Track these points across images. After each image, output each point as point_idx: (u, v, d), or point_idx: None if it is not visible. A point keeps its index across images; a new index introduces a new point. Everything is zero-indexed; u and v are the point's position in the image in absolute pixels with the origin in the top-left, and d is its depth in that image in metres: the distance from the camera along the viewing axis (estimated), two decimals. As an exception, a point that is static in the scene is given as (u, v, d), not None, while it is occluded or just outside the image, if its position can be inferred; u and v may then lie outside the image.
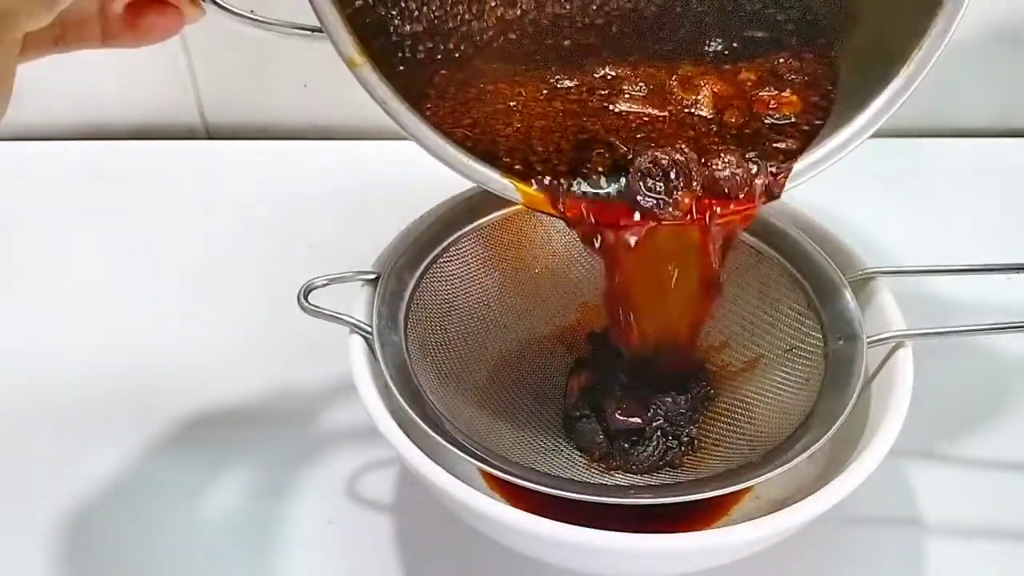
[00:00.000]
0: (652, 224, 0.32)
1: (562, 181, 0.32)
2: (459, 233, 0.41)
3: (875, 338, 0.36)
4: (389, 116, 0.30)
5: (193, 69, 0.63)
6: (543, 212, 0.32)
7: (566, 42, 0.35)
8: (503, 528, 0.31)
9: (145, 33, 0.31)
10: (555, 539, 0.30)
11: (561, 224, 0.43)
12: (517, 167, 0.32)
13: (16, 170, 0.62)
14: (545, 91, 0.34)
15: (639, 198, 0.32)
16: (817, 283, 0.39)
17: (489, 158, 0.32)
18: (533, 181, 0.32)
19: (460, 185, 0.41)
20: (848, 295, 0.38)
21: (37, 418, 0.44)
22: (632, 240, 0.32)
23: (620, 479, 0.39)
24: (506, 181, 0.32)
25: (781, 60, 0.34)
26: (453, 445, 0.33)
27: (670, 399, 0.40)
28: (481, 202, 0.42)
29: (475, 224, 0.42)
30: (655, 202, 0.32)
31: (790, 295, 0.40)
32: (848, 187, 0.53)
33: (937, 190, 0.59)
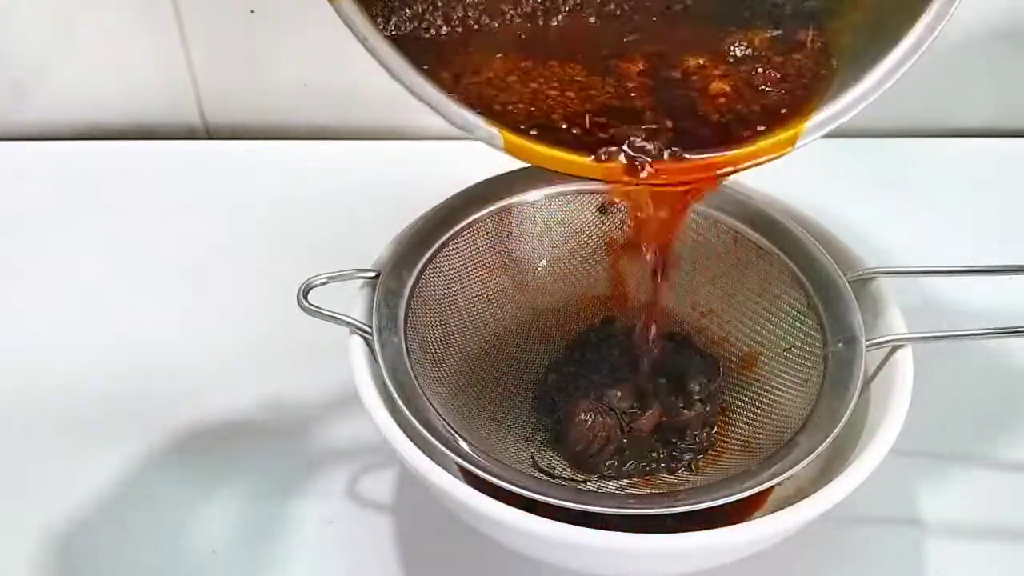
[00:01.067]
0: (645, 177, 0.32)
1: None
2: (458, 227, 0.41)
3: (875, 341, 0.36)
4: (369, 53, 0.29)
5: (193, 69, 0.63)
6: (530, 163, 0.32)
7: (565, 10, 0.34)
8: (503, 528, 0.31)
9: None
10: (555, 539, 0.30)
11: (561, 215, 0.43)
12: (508, 118, 0.31)
13: (16, 170, 0.62)
14: (541, 53, 0.33)
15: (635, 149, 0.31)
16: (817, 282, 0.39)
17: (481, 109, 0.31)
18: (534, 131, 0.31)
19: (461, 183, 0.42)
20: (848, 296, 0.38)
21: (37, 418, 0.44)
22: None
23: (618, 485, 0.39)
24: (493, 129, 0.31)
25: (760, 69, 0.34)
26: (450, 448, 0.33)
27: (661, 402, 0.40)
28: (479, 196, 0.42)
29: (473, 218, 0.42)
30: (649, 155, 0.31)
31: (790, 292, 0.40)
32: (848, 187, 0.53)
33: (937, 190, 0.59)
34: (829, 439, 0.33)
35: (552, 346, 0.44)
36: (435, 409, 0.35)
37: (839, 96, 0.31)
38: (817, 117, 0.32)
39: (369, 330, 0.36)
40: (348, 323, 0.36)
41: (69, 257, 0.54)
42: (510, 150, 0.31)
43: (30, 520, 0.39)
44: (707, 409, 0.40)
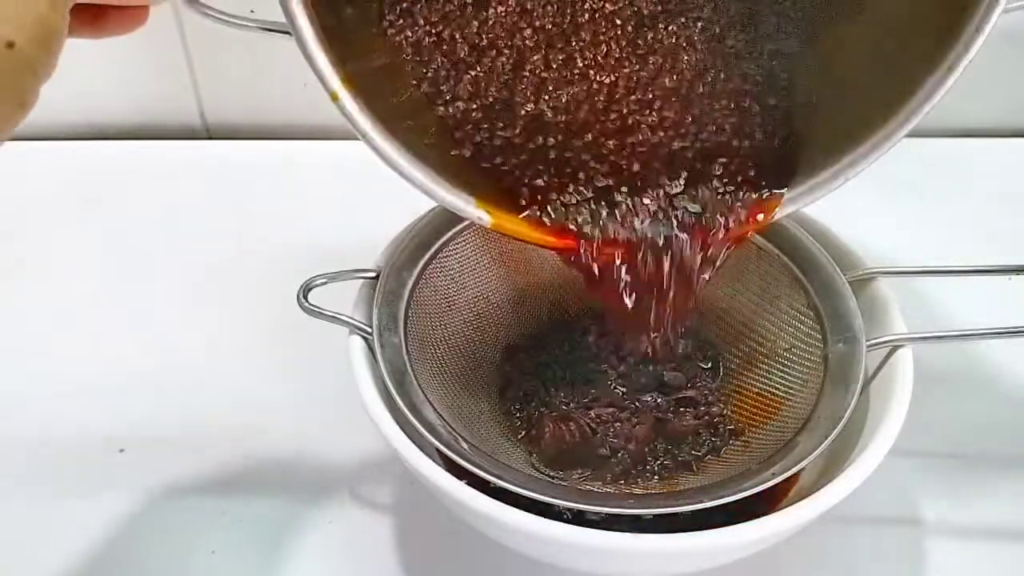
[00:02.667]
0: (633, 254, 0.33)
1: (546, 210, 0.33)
2: (458, 228, 0.41)
3: (875, 341, 0.36)
4: (371, 148, 0.31)
5: (193, 69, 0.63)
6: (518, 239, 0.33)
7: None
8: (503, 528, 0.31)
9: (113, 27, 0.30)
10: (555, 539, 0.30)
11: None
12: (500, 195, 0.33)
13: (16, 170, 0.62)
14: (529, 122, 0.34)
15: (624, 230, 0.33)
16: (817, 282, 0.39)
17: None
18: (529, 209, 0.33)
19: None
20: (848, 296, 0.38)
21: (36, 418, 0.44)
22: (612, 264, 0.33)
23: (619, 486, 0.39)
24: (480, 211, 0.32)
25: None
26: (450, 448, 0.33)
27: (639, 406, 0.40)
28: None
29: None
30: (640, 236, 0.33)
31: (790, 293, 0.40)
32: (848, 187, 0.53)
33: (938, 190, 0.59)
34: (829, 439, 0.33)
35: (552, 346, 0.44)
36: (435, 409, 0.35)
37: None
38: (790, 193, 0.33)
39: (369, 330, 0.36)
40: (348, 323, 0.36)
41: (69, 257, 0.54)
42: (496, 228, 0.33)
43: (25, 514, 0.39)
44: (708, 410, 0.40)
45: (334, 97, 0.29)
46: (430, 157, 0.32)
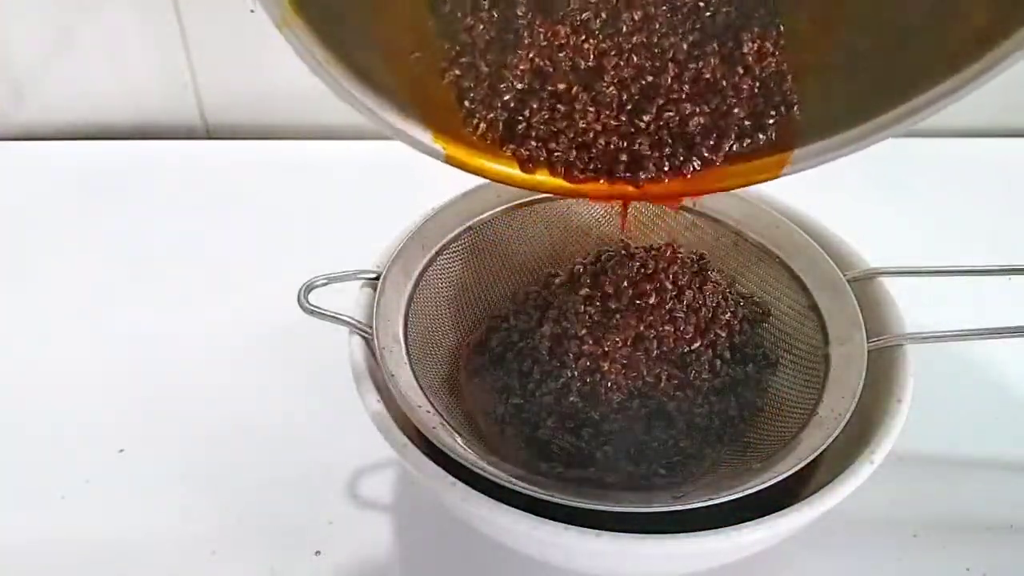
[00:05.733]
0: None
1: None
2: (459, 229, 0.41)
3: (876, 342, 0.36)
4: (319, 77, 0.30)
5: (193, 69, 0.64)
6: (472, 172, 0.33)
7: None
8: (503, 528, 0.31)
9: None
10: (554, 540, 0.30)
11: (558, 217, 0.44)
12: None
13: (16, 170, 0.62)
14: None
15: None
16: (817, 282, 0.39)
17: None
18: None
19: (463, 185, 0.42)
20: (849, 295, 0.38)
21: (36, 418, 0.44)
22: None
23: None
24: (437, 145, 0.32)
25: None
26: (449, 448, 0.33)
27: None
28: (481, 197, 0.42)
29: (475, 220, 0.42)
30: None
31: (790, 294, 0.40)
32: (849, 187, 0.53)
33: (937, 190, 0.59)
34: (829, 439, 0.33)
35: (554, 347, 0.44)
36: (435, 409, 0.35)
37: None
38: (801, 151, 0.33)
39: (369, 330, 0.36)
40: (348, 323, 0.36)
41: (69, 257, 0.54)
42: (451, 162, 0.33)
43: (25, 514, 0.39)
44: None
45: (283, 24, 0.29)
46: (385, 91, 0.31)
